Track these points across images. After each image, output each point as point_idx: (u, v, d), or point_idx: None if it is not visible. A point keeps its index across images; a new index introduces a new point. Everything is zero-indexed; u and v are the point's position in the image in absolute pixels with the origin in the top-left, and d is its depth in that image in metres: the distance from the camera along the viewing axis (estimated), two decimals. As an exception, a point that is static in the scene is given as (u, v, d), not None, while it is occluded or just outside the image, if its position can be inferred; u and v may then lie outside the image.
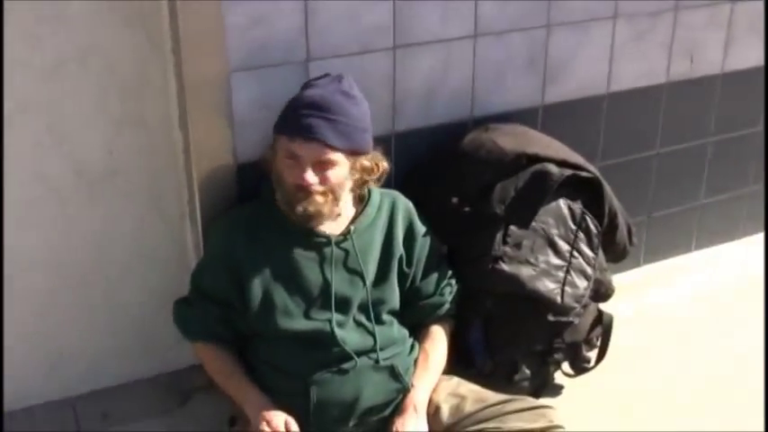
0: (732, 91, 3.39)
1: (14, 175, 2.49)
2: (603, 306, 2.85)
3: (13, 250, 2.57)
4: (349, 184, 2.33)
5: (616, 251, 2.90)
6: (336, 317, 2.31)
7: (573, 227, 2.68)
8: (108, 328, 2.77)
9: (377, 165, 2.36)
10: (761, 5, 3.29)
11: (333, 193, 2.27)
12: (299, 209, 2.24)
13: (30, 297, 2.65)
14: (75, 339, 2.75)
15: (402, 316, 2.46)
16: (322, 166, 2.23)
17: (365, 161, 2.32)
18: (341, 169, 2.26)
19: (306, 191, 2.23)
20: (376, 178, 2.38)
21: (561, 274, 2.63)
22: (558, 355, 2.73)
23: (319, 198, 2.25)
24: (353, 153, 2.28)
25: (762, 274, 3.49)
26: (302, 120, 2.22)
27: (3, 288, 2.56)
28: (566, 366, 2.83)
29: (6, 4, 2.30)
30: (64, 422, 2.73)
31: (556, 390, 2.84)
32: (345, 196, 2.34)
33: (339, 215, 2.35)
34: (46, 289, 2.66)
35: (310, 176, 2.22)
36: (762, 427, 2.71)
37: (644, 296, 3.38)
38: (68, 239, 2.62)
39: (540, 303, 2.59)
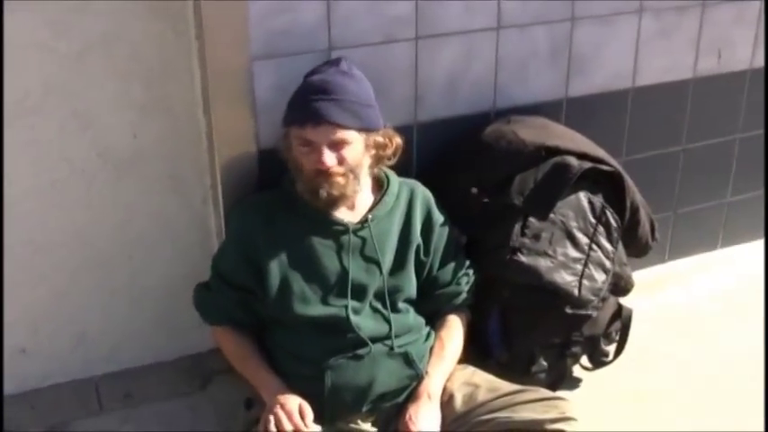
0: (761, 88, 3.35)
1: (41, 158, 2.55)
2: (625, 300, 2.85)
3: (39, 232, 2.63)
4: (367, 162, 2.35)
5: (638, 246, 2.89)
6: (353, 304, 2.33)
7: (592, 220, 2.67)
8: (131, 310, 2.83)
9: (390, 140, 2.38)
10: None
11: (352, 172, 2.29)
12: (323, 193, 2.27)
13: (54, 278, 2.71)
14: (99, 320, 2.81)
15: (418, 305, 2.47)
16: (337, 147, 2.25)
17: (378, 137, 2.34)
18: (355, 147, 2.29)
19: (326, 174, 2.26)
20: (391, 153, 2.40)
21: (579, 267, 2.63)
22: (575, 348, 2.73)
23: (340, 179, 2.27)
24: (364, 130, 2.30)
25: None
26: (308, 106, 2.25)
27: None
28: (584, 360, 2.83)
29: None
30: (87, 400, 2.79)
31: (574, 383, 2.84)
32: (365, 177, 2.37)
33: (358, 195, 2.36)
34: (70, 270, 2.71)
35: (328, 158, 2.24)
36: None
37: (667, 292, 3.36)
38: (93, 222, 2.68)
39: (558, 295, 2.59)
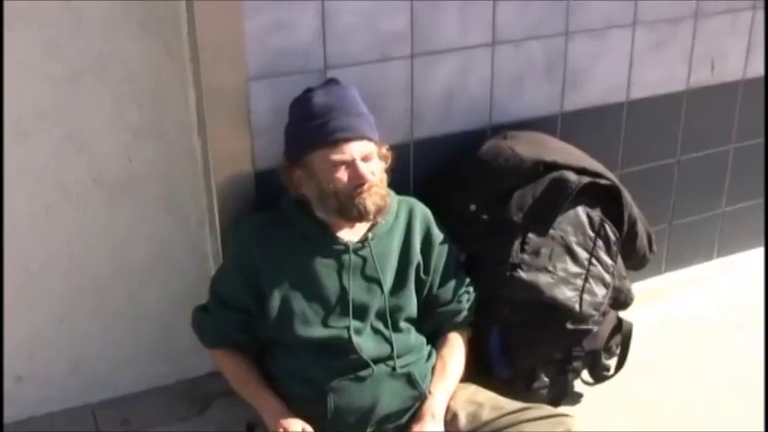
0: (754, 98, 3.37)
1: (35, 182, 2.52)
2: (623, 314, 2.84)
3: (34, 257, 2.60)
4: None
5: (636, 259, 2.89)
6: (354, 324, 2.32)
7: (591, 234, 2.67)
8: (128, 335, 2.80)
9: (388, 152, 2.39)
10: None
11: (383, 182, 2.32)
12: (370, 206, 2.26)
13: (50, 303, 2.68)
14: (95, 346, 2.78)
15: (420, 323, 2.45)
16: (367, 160, 2.27)
17: (383, 149, 2.36)
18: (378, 159, 2.32)
19: (367, 187, 2.25)
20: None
21: (580, 282, 2.62)
22: (576, 363, 2.72)
23: (380, 190, 2.29)
24: (377, 142, 2.32)
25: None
26: (333, 124, 2.24)
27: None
28: (585, 374, 2.82)
29: (27, 15, 2.33)
30: (84, 428, 2.75)
31: (575, 398, 2.82)
32: None
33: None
34: (66, 295, 2.68)
35: (367, 172, 2.25)
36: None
37: (665, 304, 3.36)
38: (88, 246, 2.65)
39: (559, 311, 2.58)
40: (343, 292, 2.33)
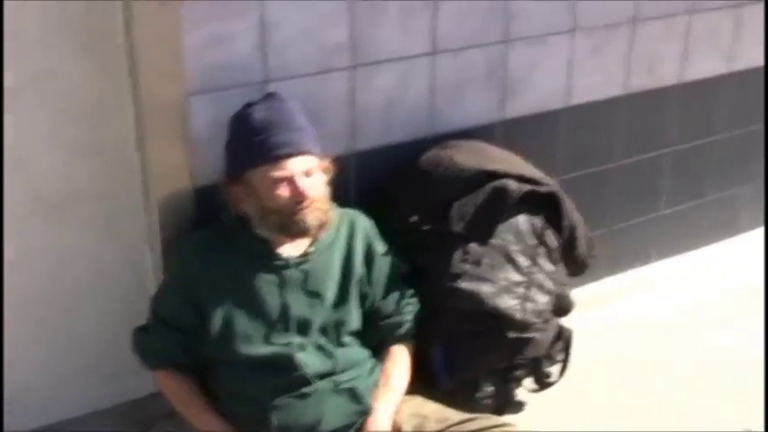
0: (690, 101, 3.42)
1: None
2: (564, 320, 2.86)
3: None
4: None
5: (576, 265, 2.91)
6: (297, 340, 2.31)
7: (532, 242, 2.68)
8: (67, 359, 2.74)
9: (329, 164, 2.38)
10: (717, 17, 3.32)
11: (324, 197, 2.31)
12: (311, 222, 2.26)
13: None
14: (33, 371, 2.71)
15: (363, 337, 2.45)
16: (310, 176, 2.26)
17: (325, 162, 2.35)
18: (321, 174, 2.31)
19: (307, 203, 2.25)
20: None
21: (521, 290, 2.63)
22: (519, 372, 2.74)
23: (322, 205, 2.28)
24: (319, 156, 2.31)
25: (727, 282, 3.55)
26: (273, 141, 2.23)
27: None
28: (528, 382, 2.84)
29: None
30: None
31: (519, 406, 2.85)
32: None
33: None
34: (3, 319, 2.62)
35: (308, 187, 2.24)
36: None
37: (605, 309, 3.40)
38: (25, 266, 2.60)
39: (501, 320, 2.59)
40: (285, 307, 2.32)
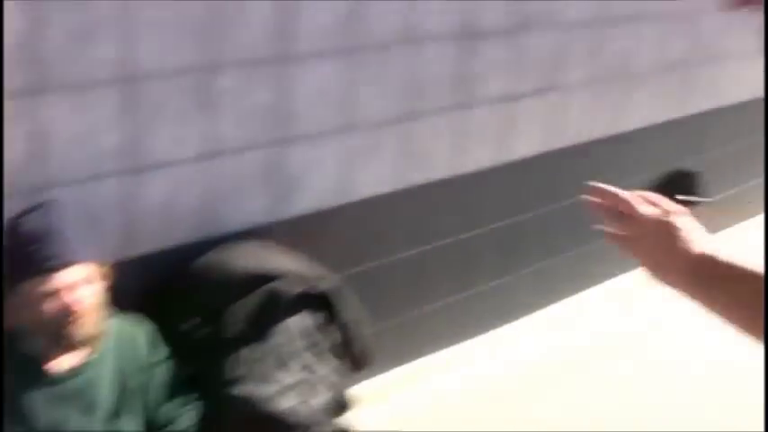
0: (464, 194, 3.56)
1: None
2: (348, 416, 2.89)
3: None
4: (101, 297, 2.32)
5: (356, 361, 2.96)
6: (75, 456, 2.25)
7: (307, 342, 2.72)
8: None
9: (105, 271, 2.35)
10: (489, 111, 3.48)
11: (97, 307, 2.27)
12: (81, 335, 2.23)
13: None
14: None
15: (144, 447, 2.41)
16: (76, 287, 2.22)
17: (100, 270, 2.32)
18: (94, 284, 2.27)
19: (78, 314, 2.21)
20: (107, 286, 2.36)
21: (297, 392, 2.65)
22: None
23: (92, 317, 2.25)
24: (92, 264, 2.28)
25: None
26: (40, 254, 2.19)
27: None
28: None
29: None
30: None
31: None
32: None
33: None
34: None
35: (75, 301, 2.21)
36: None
37: (388, 402, 3.44)
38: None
39: (279, 423, 2.61)
40: (62, 421, 2.26)
